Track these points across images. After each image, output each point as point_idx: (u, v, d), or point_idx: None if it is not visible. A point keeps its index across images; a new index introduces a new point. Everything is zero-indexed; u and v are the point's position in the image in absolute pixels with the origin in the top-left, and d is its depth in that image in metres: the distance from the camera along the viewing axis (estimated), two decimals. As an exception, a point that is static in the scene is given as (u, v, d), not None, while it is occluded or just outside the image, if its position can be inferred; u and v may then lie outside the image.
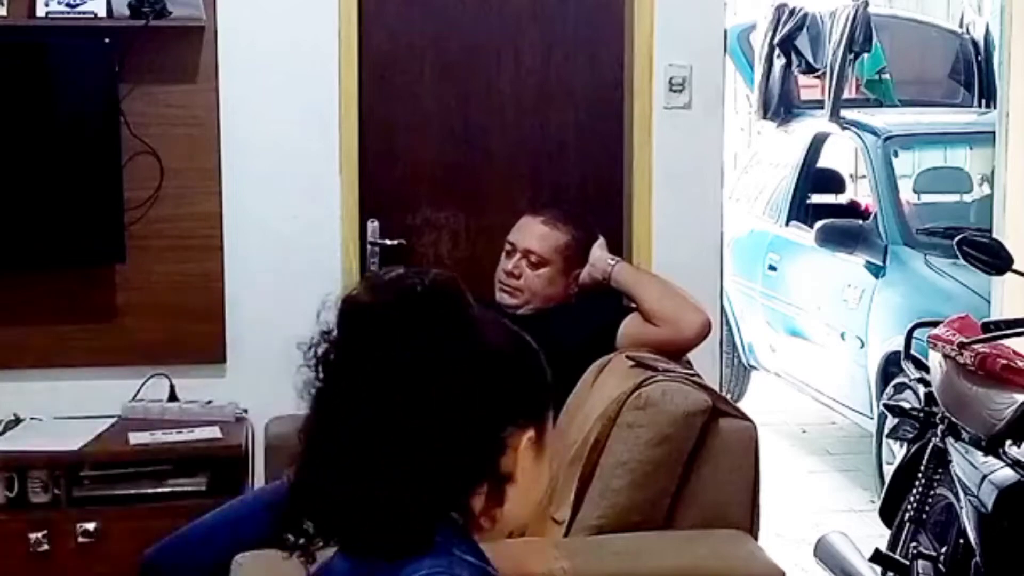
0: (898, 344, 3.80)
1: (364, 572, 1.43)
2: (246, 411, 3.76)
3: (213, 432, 3.61)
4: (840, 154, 7.03)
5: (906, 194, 6.00)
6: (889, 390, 4.67)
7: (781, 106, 6.90)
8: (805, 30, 6.75)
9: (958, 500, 3.05)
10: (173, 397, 3.80)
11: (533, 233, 3.37)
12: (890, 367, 4.82)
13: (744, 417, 2.70)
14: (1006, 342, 2.86)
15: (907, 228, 5.52)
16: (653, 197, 4.09)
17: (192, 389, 3.81)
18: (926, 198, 6.20)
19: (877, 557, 3.28)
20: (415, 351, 1.37)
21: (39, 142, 3.74)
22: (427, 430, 1.36)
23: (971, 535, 2.92)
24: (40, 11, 3.62)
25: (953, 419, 3.18)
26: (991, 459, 2.94)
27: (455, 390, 1.37)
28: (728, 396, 4.86)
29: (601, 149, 4.16)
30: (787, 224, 6.36)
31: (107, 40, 3.64)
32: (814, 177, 6.63)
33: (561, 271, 3.35)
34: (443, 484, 1.38)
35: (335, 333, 1.44)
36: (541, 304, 3.33)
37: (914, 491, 3.32)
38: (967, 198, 6.22)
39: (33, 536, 3.45)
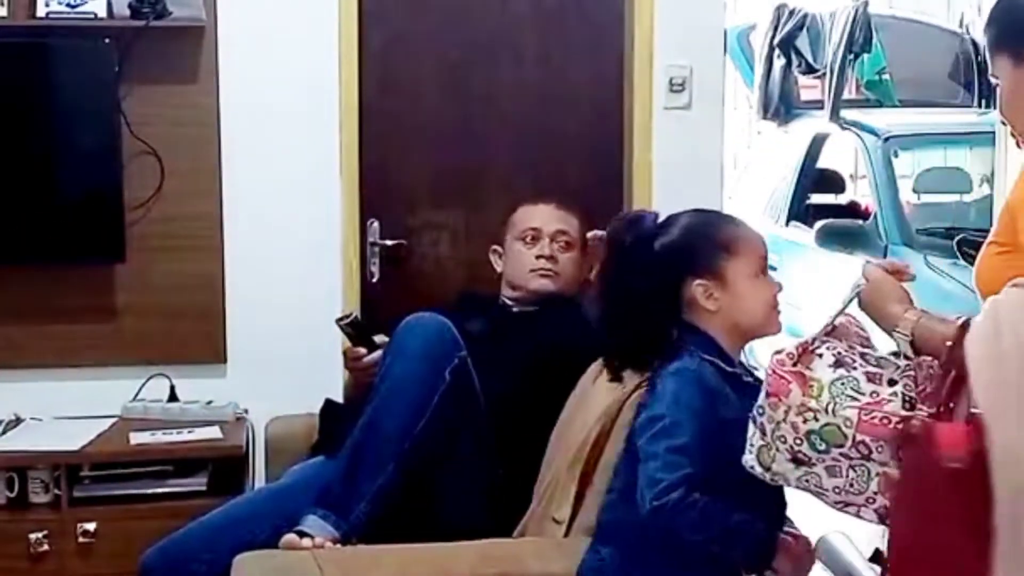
0: (898, 344, 3.80)
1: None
2: (246, 411, 3.76)
3: (213, 432, 3.61)
4: (840, 154, 7.03)
5: (906, 194, 6.00)
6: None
7: (781, 106, 6.91)
8: (805, 30, 6.76)
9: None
10: (173, 397, 3.80)
11: (554, 216, 3.28)
12: (890, 367, 4.82)
13: (744, 417, 2.70)
14: None
15: (907, 228, 5.52)
16: (653, 197, 4.09)
17: (192, 389, 3.81)
18: (926, 198, 6.20)
19: (877, 557, 3.28)
20: None
21: (39, 142, 3.74)
22: None
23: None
24: (40, 11, 3.62)
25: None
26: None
27: None
28: (728, 396, 4.85)
29: (601, 149, 4.16)
30: (787, 224, 6.36)
31: (107, 40, 3.64)
32: (814, 177, 6.64)
33: (582, 253, 3.26)
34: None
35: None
36: (570, 290, 3.22)
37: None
38: (967, 198, 6.22)
39: (33, 536, 3.45)
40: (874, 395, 1.94)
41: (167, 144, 3.78)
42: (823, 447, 1.97)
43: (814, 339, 2.05)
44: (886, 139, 5.97)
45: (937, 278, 5.10)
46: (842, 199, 7.04)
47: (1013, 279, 1.80)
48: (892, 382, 1.96)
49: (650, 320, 2.38)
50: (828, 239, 5.57)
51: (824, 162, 6.79)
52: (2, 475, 3.51)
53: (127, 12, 3.65)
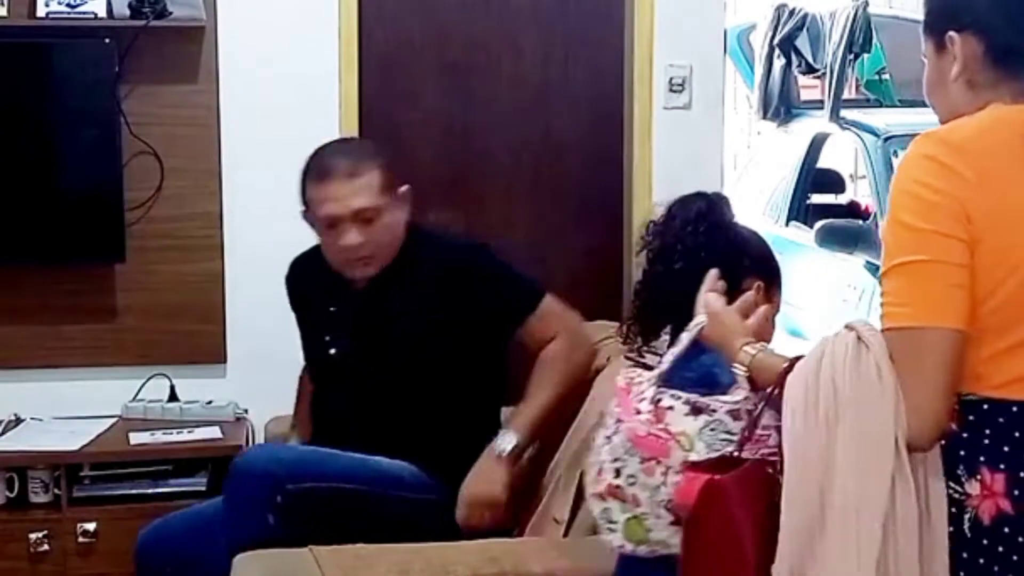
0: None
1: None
2: (246, 411, 3.77)
3: (213, 432, 3.61)
4: (840, 154, 7.03)
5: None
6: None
7: (781, 106, 6.91)
8: (805, 30, 6.76)
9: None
10: (173, 397, 3.80)
11: (347, 192, 2.87)
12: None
13: (744, 417, 2.70)
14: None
15: (907, 228, 5.51)
16: (653, 197, 4.09)
17: (192, 389, 3.81)
18: (926, 198, 6.18)
19: None
20: None
21: (40, 142, 3.74)
22: None
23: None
24: (40, 11, 3.62)
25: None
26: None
27: None
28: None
29: (601, 149, 4.16)
30: (787, 224, 6.36)
31: (107, 40, 3.64)
32: (814, 177, 6.63)
33: (393, 205, 2.93)
34: None
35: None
36: (393, 252, 2.94)
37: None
38: (967, 198, 6.20)
39: (33, 536, 3.46)
40: (745, 431, 1.86)
41: (167, 144, 3.78)
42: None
43: (655, 390, 1.94)
44: (886, 139, 5.97)
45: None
46: (842, 199, 7.04)
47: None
48: (749, 412, 1.88)
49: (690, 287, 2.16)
50: (828, 239, 5.57)
51: (824, 162, 6.79)
52: (2, 475, 3.51)
53: (127, 12, 3.65)
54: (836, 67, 6.42)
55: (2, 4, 3.62)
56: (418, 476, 2.81)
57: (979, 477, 1.69)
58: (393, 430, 2.88)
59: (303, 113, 3.85)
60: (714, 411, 1.88)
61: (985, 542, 1.68)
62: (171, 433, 3.59)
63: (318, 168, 2.93)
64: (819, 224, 5.66)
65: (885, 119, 6.31)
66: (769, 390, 1.78)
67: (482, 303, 2.89)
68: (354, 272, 2.93)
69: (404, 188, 2.98)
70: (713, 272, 2.09)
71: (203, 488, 3.48)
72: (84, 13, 3.62)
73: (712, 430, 1.87)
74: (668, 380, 1.96)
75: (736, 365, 1.89)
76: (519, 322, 2.93)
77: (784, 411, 1.72)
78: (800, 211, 6.42)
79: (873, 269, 5.38)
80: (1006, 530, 1.68)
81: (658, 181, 4.10)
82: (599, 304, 4.03)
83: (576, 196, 4.18)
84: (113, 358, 3.85)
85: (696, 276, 2.12)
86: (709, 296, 2.02)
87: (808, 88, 7.07)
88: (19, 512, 3.50)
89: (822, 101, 6.58)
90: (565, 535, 2.62)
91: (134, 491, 3.52)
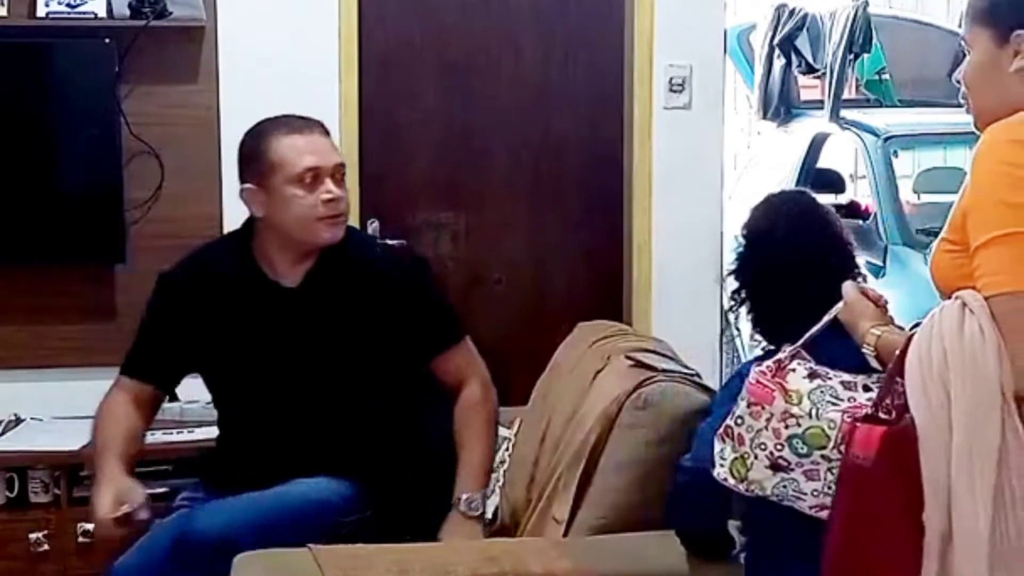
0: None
1: None
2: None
3: (213, 432, 3.60)
4: (840, 154, 7.02)
5: (906, 194, 6.00)
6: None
7: (781, 106, 6.90)
8: (805, 30, 6.75)
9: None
10: (173, 397, 3.80)
11: (328, 147, 2.78)
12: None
13: (744, 417, 2.70)
14: None
15: (907, 228, 5.51)
16: (653, 197, 4.10)
17: (192, 389, 3.79)
18: (926, 198, 6.19)
19: None
20: None
21: (40, 142, 3.75)
22: None
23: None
24: (40, 11, 3.62)
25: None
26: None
27: None
28: (728, 396, 4.85)
29: (601, 149, 4.16)
30: (787, 224, 6.34)
31: (107, 40, 3.64)
32: (814, 177, 6.62)
33: None
34: None
35: None
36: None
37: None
38: (967, 198, 6.21)
39: (33, 536, 3.46)
40: (852, 399, 2.06)
41: (167, 144, 3.78)
42: (804, 451, 2.06)
43: (787, 355, 2.14)
44: (886, 139, 5.96)
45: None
46: (842, 199, 7.03)
47: (966, 280, 1.91)
48: (867, 388, 2.07)
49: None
50: (828, 239, 5.56)
51: (824, 162, 6.78)
52: (2, 475, 3.51)
53: (127, 12, 3.66)
54: (836, 67, 6.41)
55: (2, 4, 3.63)
56: (343, 495, 2.70)
57: None
58: (325, 438, 2.75)
59: (303, 113, 3.84)
60: (829, 379, 2.09)
61: None
62: (171, 433, 3.59)
63: (288, 124, 2.78)
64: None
65: (885, 119, 6.31)
66: (894, 360, 1.95)
67: (413, 319, 2.79)
68: (325, 234, 2.73)
69: None
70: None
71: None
72: (84, 13, 3.62)
73: (821, 392, 2.07)
74: (800, 354, 2.16)
75: (865, 346, 2.07)
76: (441, 350, 2.84)
77: (907, 376, 1.90)
78: (800, 211, 6.40)
79: (874, 269, 5.38)
80: None
81: (658, 181, 4.10)
82: (599, 304, 4.04)
83: (576, 196, 4.19)
84: (113, 358, 3.81)
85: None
86: (847, 284, 2.19)
87: (808, 88, 7.07)
88: (19, 512, 3.50)
89: (822, 101, 6.57)
90: (565, 535, 2.62)
91: (134, 491, 3.52)
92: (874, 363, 2.07)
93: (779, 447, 2.07)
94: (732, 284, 2.44)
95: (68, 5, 3.62)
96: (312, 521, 2.63)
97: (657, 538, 2.57)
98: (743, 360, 6.68)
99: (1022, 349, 1.81)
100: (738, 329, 6.71)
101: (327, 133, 2.81)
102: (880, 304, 2.17)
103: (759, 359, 2.24)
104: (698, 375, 2.76)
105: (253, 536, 2.53)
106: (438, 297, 2.90)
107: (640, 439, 2.60)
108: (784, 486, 2.10)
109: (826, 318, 2.18)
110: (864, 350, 2.07)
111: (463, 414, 2.84)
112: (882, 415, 1.94)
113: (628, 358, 2.82)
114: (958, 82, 2.10)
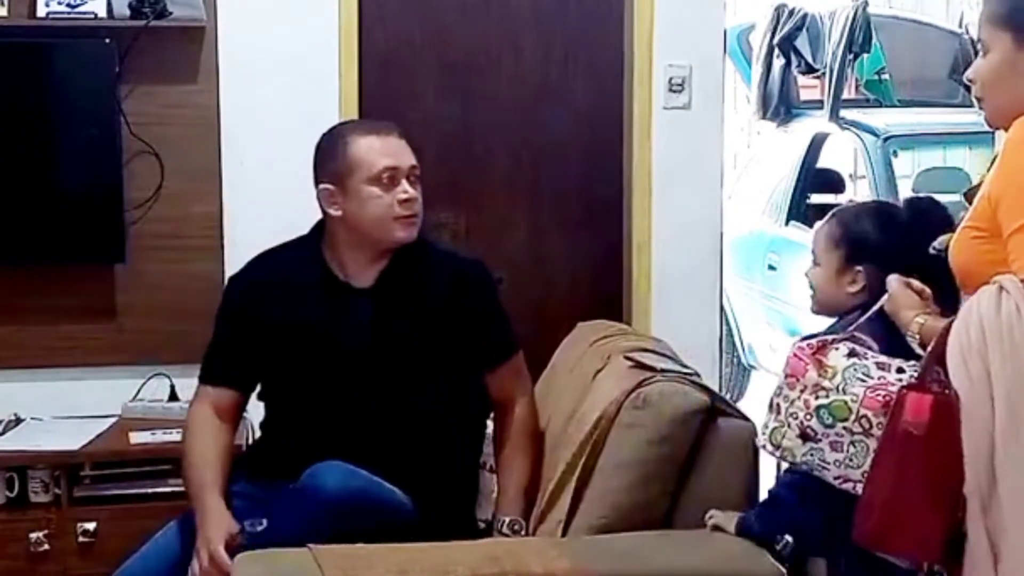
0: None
1: None
2: (246, 411, 3.76)
3: (213, 432, 3.60)
4: (840, 154, 7.03)
5: (905, 194, 5.99)
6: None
7: (781, 106, 6.91)
8: (805, 30, 6.76)
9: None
10: (173, 397, 3.80)
11: (405, 149, 2.80)
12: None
13: (743, 417, 2.70)
14: None
15: (907, 228, 5.51)
16: (653, 197, 4.10)
17: (192, 389, 3.79)
18: (926, 198, 6.18)
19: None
20: None
21: (40, 142, 3.75)
22: None
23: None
24: (40, 11, 3.62)
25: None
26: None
27: None
28: (728, 396, 4.86)
29: (601, 149, 4.16)
30: (787, 224, 6.36)
31: (107, 40, 3.64)
32: (814, 177, 6.63)
33: None
34: None
35: None
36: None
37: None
38: (966, 198, 6.20)
39: (33, 536, 3.46)
40: (881, 378, 2.22)
41: (167, 144, 3.78)
42: (829, 421, 2.22)
43: (834, 339, 2.31)
44: (886, 139, 5.97)
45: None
46: (842, 199, 7.03)
47: (993, 266, 2.03)
48: (900, 370, 2.22)
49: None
50: (828, 239, 5.56)
51: (824, 162, 6.79)
52: (2, 475, 3.51)
53: (127, 12, 3.66)
54: (836, 67, 6.42)
55: (2, 4, 3.63)
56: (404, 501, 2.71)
57: None
58: (384, 441, 2.73)
59: (303, 113, 3.85)
60: (865, 358, 2.26)
61: None
62: (171, 433, 3.58)
63: (365, 126, 2.87)
64: (819, 224, 5.65)
65: (885, 119, 6.32)
66: (935, 341, 2.09)
67: (475, 328, 2.80)
68: (401, 233, 2.76)
69: None
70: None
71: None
72: (84, 13, 3.62)
73: (855, 369, 2.24)
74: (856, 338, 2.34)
75: (909, 332, 2.22)
76: (496, 363, 2.85)
77: (948, 355, 2.03)
78: (800, 211, 6.41)
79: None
80: None
81: (658, 181, 4.10)
82: (599, 304, 4.04)
83: (576, 196, 4.19)
84: (113, 358, 3.85)
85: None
86: (891, 277, 2.34)
87: (808, 88, 7.07)
88: (19, 512, 3.50)
89: (822, 101, 6.58)
90: (564, 535, 2.62)
91: (134, 491, 3.52)
92: (917, 349, 2.20)
93: (808, 417, 2.24)
94: None
95: (68, 5, 3.62)
96: (396, 516, 2.64)
97: (657, 538, 2.57)
98: (743, 360, 6.70)
99: None
100: (738, 329, 6.72)
101: (402, 135, 2.83)
102: (924, 296, 2.28)
103: (805, 338, 2.41)
104: (698, 375, 2.76)
105: (372, 504, 2.58)
106: (499, 308, 2.91)
107: (640, 439, 2.60)
108: (811, 455, 2.25)
109: (874, 308, 2.34)
110: (908, 337, 2.21)
111: (512, 435, 2.85)
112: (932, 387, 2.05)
113: (628, 358, 2.82)
114: (971, 80, 2.19)
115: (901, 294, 2.29)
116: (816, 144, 6.60)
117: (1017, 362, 1.95)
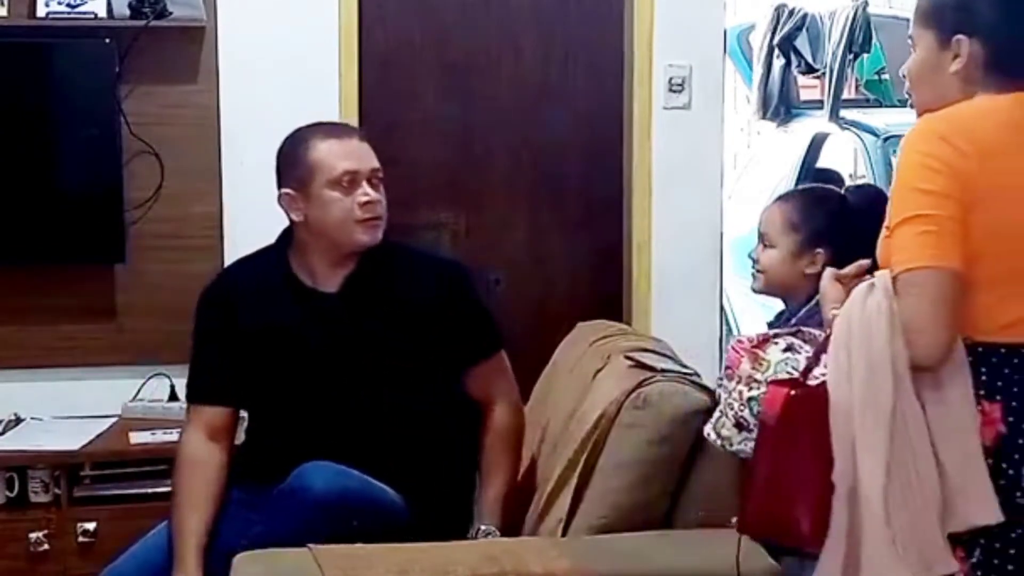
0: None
1: None
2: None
3: (213, 432, 3.60)
4: (840, 154, 7.03)
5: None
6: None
7: (781, 106, 6.91)
8: (805, 30, 6.76)
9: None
10: (173, 397, 3.80)
11: (366, 152, 2.79)
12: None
13: (744, 417, 2.71)
14: None
15: (907, 228, 5.52)
16: (653, 197, 4.10)
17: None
18: (925, 198, 6.18)
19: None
20: None
21: (40, 142, 3.75)
22: None
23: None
24: (40, 11, 3.62)
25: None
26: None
27: None
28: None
29: (601, 149, 4.16)
30: (787, 224, 6.35)
31: (107, 40, 3.65)
32: (814, 177, 6.62)
33: None
34: None
35: None
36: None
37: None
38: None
39: (33, 536, 3.46)
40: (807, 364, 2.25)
41: (167, 144, 3.78)
42: (757, 412, 2.28)
43: (776, 333, 2.37)
44: (886, 139, 5.97)
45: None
46: (842, 199, 7.03)
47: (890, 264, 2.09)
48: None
49: None
50: (828, 239, 5.56)
51: (824, 162, 6.79)
52: (2, 475, 3.51)
53: (127, 12, 3.66)
54: (836, 67, 6.42)
55: (2, 4, 3.63)
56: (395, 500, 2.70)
57: (980, 407, 2.02)
58: (363, 443, 2.70)
59: (303, 113, 3.82)
60: (799, 352, 2.32)
61: (990, 461, 2.02)
62: (171, 433, 3.58)
63: (326, 129, 2.84)
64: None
65: (885, 119, 6.32)
66: (825, 334, 2.16)
67: (449, 327, 2.77)
68: (363, 236, 2.74)
69: None
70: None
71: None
72: (84, 13, 3.62)
73: (786, 363, 2.31)
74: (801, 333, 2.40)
75: (828, 329, 2.23)
76: (474, 362, 2.82)
77: (828, 350, 2.11)
78: (800, 211, 6.41)
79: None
80: (1002, 447, 2.03)
81: (658, 181, 4.11)
82: (599, 304, 4.04)
83: (576, 196, 4.19)
84: (113, 358, 3.85)
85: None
86: (826, 272, 2.37)
87: (808, 88, 7.07)
88: (19, 512, 3.50)
89: (822, 101, 6.58)
90: (564, 535, 2.62)
91: (134, 491, 3.52)
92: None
93: (742, 407, 2.32)
94: None
95: (68, 5, 3.62)
96: (389, 516, 2.62)
97: (657, 538, 2.57)
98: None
99: (908, 320, 1.98)
100: (738, 329, 6.71)
101: (364, 138, 2.82)
102: (860, 274, 2.29)
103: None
104: (697, 375, 2.76)
105: (363, 503, 2.56)
106: (479, 306, 2.87)
107: (640, 439, 2.60)
108: (745, 443, 2.32)
109: (808, 305, 2.46)
110: (828, 331, 2.24)
111: (488, 439, 2.84)
112: (809, 382, 2.14)
113: (628, 358, 2.82)
114: (903, 76, 2.21)
115: (828, 288, 2.32)
116: (816, 144, 6.60)
117: (871, 350, 2.01)
